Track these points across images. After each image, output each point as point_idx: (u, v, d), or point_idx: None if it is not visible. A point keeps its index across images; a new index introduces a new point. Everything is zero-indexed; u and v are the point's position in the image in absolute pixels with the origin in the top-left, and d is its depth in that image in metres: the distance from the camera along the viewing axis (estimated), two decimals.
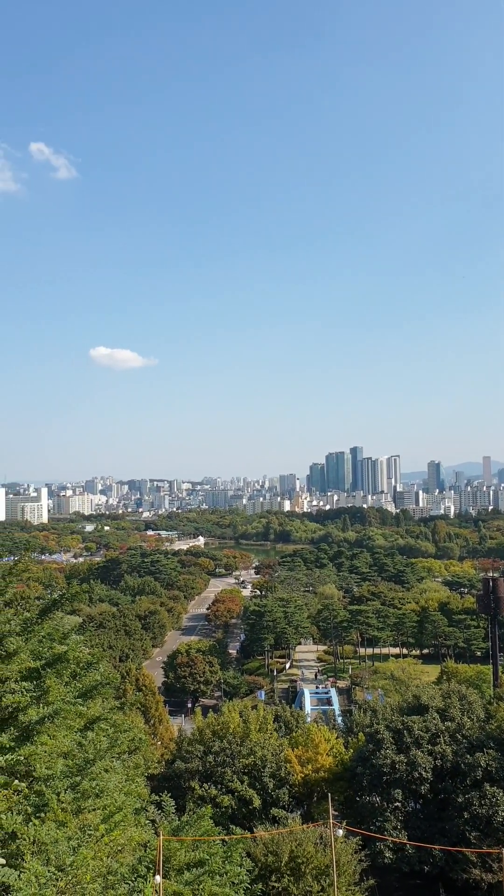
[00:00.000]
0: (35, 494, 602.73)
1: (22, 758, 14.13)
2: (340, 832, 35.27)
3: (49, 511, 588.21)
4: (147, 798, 28.25)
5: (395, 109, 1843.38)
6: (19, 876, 11.18)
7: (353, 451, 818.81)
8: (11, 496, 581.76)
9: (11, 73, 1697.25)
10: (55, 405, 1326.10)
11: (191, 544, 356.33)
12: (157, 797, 27.70)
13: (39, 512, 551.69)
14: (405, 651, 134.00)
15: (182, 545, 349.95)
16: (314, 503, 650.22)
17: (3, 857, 5.75)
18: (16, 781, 7.39)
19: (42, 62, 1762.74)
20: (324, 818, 41.36)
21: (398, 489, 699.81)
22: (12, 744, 15.36)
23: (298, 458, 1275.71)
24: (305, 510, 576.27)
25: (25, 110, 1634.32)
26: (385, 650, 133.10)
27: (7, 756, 7.59)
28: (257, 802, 46.59)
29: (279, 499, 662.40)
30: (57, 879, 12.30)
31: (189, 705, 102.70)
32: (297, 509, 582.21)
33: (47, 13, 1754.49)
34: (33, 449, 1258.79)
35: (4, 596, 18.48)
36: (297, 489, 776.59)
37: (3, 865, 7.61)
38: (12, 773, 14.32)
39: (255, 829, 40.66)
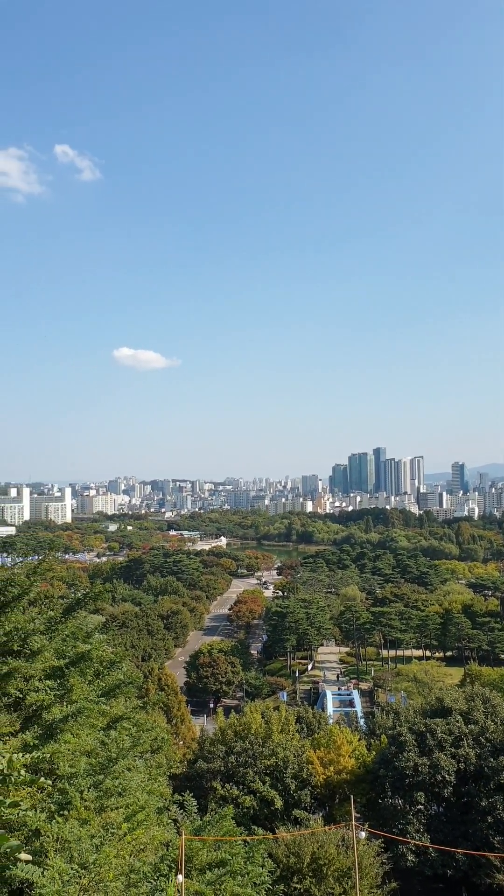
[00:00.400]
0: (59, 494, 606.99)
1: (46, 756, 14.21)
2: (363, 834, 35.08)
3: (73, 511, 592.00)
4: (169, 797, 28.31)
5: (417, 110, 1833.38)
6: (43, 873, 11.24)
7: (377, 451, 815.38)
8: (36, 496, 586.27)
9: (37, 77, 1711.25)
10: (79, 406, 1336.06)
11: (213, 544, 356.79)
12: (179, 797, 27.76)
13: (63, 511, 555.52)
14: (428, 653, 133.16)
15: (204, 545, 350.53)
16: (337, 504, 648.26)
17: (27, 854, 5.80)
18: (42, 779, 7.42)
19: (67, 66, 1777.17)
20: (346, 820, 41.22)
21: (421, 490, 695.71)
22: (36, 741, 15.48)
23: (321, 459, 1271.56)
24: (328, 511, 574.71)
25: (50, 113, 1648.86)
26: (408, 652, 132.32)
27: (33, 754, 7.62)
28: (279, 803, 46.53)
29: (301, 499, 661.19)
30: (80, 877, 12.37)
31: (211, 705, 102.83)
32: (319, 510, 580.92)
33: (73, 17, 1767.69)
34: (58, 449, 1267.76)
35: (29, 595, 18.63)
36: (320, 490, 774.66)
37: (27, 862, 7.65)
38: (36, 771, 14.42)
39: (276, 830, 40.61)
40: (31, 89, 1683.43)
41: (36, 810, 13.46)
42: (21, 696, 17.38)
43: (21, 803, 6.48)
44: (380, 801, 48.09)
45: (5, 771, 5.80)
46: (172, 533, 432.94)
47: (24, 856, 6.00)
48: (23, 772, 6.04)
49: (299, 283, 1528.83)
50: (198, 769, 50.20)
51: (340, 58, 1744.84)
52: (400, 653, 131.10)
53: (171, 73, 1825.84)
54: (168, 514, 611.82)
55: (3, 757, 5.93)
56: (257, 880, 21.09)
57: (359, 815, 46.83)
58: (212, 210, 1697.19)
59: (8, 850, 5.31)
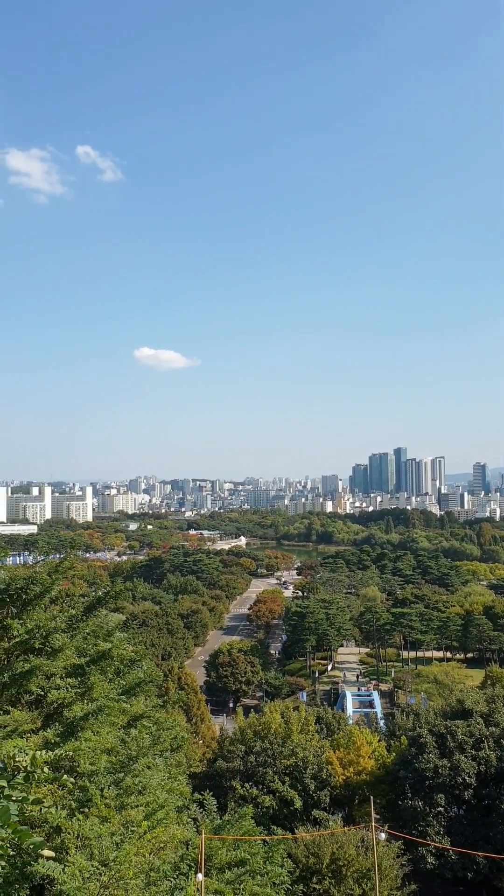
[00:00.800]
0: (80, 493, 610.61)
1: (67, 753, 14.30)
2: (382, 836, 34.95)
3: (94, 510, 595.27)
4: (189, 796, 28.38)
5: (444, 110, 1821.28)
6: (64, 869, 11.30)
7: (397, 451, 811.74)
8: (58, 495, 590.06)
9: (59, 78, 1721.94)
10: (101, 405, 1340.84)
11: (232, 544, 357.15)
12: (199, 795, 27.82)
13: (84, 510, 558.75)
14: (449, 655, 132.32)
15: (224, 545, 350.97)
16: (357, 504, 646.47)
17: (50, 851, 5.84)
18: (64, 776, 7.47)
19: (89, 67, 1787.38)
20: (365, 821, 41.10)
21: (443, 491, 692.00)
22: (57, 739, 15.58)
23: (341, 459, 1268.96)
24: (348, 511, 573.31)
25: (72, 114, 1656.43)
26: (428, 653, 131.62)
27: (56, 751, 7.66)
28: (298, 803, 46.50)
29: (321, 500, 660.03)
30: (100, 874, 12.42)
31: (231, 705, 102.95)
32: (339, 510, 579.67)
33: (95, 19, 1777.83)
34: (79, 448, 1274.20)
35: (51, 593, 18.71)
36: (340, 490, 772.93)
37: (49, 859, 7.71)
38: (57, 769, 14.51)
39: (296, 831, 40.57)
40: (54, 90, 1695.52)
41: (57, 807, 13.55)
42: (42, 693, 17.49)
43: (44, 800, 6.53)
44: (399, 802, 47.89)
45: (29, 768, 5.85)
46: (192, 532, 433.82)
47: (46, 852, 6.04)
48: (46, 769, 6.08)
49: (319, 286, 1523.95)
50: (217, 768, 50.29)
51: (364, 59, 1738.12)
52: (420, 654, 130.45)
53: (192, 75, 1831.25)
54: (188, 514, 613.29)
55: (27, 754, 5.97)
56: (276, 880, 21.09)
57: (378, 817, 46.66)
58: (233, 211, 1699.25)
59: (31, 847, 5.35)
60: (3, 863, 5.11)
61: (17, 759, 5.94)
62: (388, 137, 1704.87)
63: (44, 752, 6.18)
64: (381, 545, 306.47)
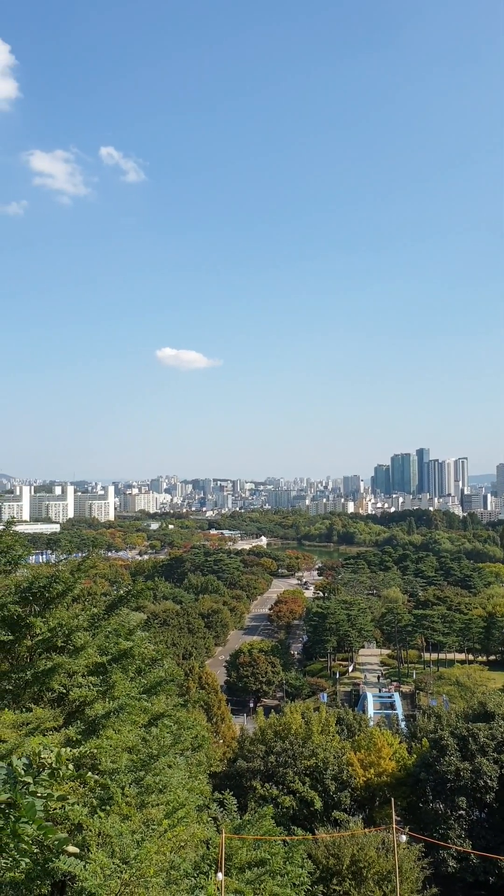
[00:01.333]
0: (102, 492, 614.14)
1: (89, 751, 14.37)
2: (403, 838, 34.81)
3: (115, 509, 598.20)
4: (209, 795, 28.43)
5: (476, 110, 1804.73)
6: (85, 866, 11.37)
7: (420, 452, 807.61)
8: (80, 494, 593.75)
9: (83, 80, 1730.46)
10: (123, 405, 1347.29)
11: (253, 544, 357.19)
12: (219, 795, 27.85)
13: (106, 510, 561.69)
14: (471, 657, 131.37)
15: (245, 545, 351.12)
16: (379, 505, 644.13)
17: (74, 847, 5.89)
18: (89, 773, 7.52)
19: (112, 67, 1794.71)
20: (386, 823, 40.94)
21: (466, 492, 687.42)
22: (79, 737, 15.67)
23: (363, 460, 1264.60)
24: (370, 512, 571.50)
25: (96, 115, 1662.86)
26: (450, 656, 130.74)
27: (81, 748, 7.72)
28: (319, 804, 46.42)
29: (343, 500, 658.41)
30: (121, 872, 12.46)
31: (251, 705, 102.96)
32: (361, 511, 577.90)
33: (117, 20, 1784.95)
34: (102, 448, 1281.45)
35: (73, 591, 18.83)
36: (362, 491, 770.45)
37: (74, 855, 7.76)
38: (79, 766, 14.58)
39: (316, 831, 40.50)
40: (77, 92, 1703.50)
41: (78, 805, 13.63)
42: (65, 691, 17.61)
43: (69, 797, 6.58)
44: (420, 804, 47.66)
45: (54, 765, 5.89)
46: (213, 532, 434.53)
47: (71, 848, 6.08)
48: (70, 766, 6.12)
49: (341, 287, 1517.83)
50: (238, 768, 50.34)
51: (387, 60, 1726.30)
52: (442, 656, 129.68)
53: (215, 76, 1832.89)
54: (209, 514, 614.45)
55: (52, 751, 6.02)
56: (296, 881, 21.06)
57: (399, 819, 46.46)
58: (256, 212, 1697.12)
59: (56, 843, 5.39)
60: (28, 859, 5.15)
61: (42, 756, 5.99)
62: (409, 139, 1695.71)
63: (68, 749, 6.22)
64: (402, 546, 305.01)
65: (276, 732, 52.46)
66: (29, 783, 5.45)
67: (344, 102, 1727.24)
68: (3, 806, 5.01)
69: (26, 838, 4.92)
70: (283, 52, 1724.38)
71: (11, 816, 4.96)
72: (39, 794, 5.33)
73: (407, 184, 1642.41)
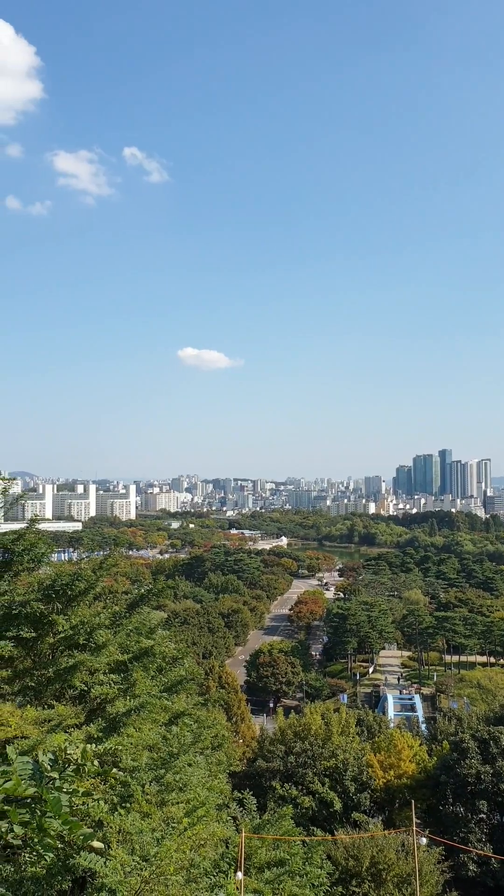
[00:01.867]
0: (124, 491, 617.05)
1: (111, 748, 14.45)
2: (424, 841, 34.61)
3: (137, 508, 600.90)
4: (229, 795, 28.45)
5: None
6: (105, 863, 11.44)
7: (442, 453, 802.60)
8: (102, 493, 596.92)
9: (107, 80, 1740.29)
10: (145, 404, 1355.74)
11: (274, 544, 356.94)
12: (239, 794, 27.88)
13: (128, 508, 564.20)
14: (493, 660, 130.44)
15: (265, 545, 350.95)
16: (400, 506, 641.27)
17: (99, 842, 5.94)
18: (114, 769, 7.57)
19: (135, 68, 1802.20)
20: (405, 825, 40.74)
21: (488, 494, 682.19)
22: (100, 734, 15.75)
23: (384, 460, 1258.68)
24: (391, 513, 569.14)
25: (119, 116, 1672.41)
26: (472, 658, 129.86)
27: (106, 745, 7.78)
28: (338, 805, 46.33)
29: (364, 501, 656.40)
30: (141, 869, 12.50)
31: (271, 705, 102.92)
32: (382, 512, 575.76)
33: (140, 21, 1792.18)
34: (123, 447, 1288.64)
35: (95, 589, 18.95)
36: (383, 492, 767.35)
37: (99, 850, 7.81)
38: (102, 763, 14.65)
39: (335, 832, 40.40)
40: (101, 92, 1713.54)
41: (99, 802, 13.70)
42: (86, 688, 17.71)
43: (93, 793, 6.64)
44: (441, 807, 47.39)
45: (79, 761, 5.94)
46: (233, 532, 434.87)
47: (96, 843, 6.14)
48: (95, 762, 6.17)
49: (363, 288, 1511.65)
50: (257, 768, 50.36)
51: (410, 58, 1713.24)
52: (463, 658, 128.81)
53: (238, 76, 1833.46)
54: (229, 513, 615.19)
55: (77, 747, 6.07)
56: (316, 882, 21.03)
57: (419, 821, 46.19)
58: (278, 212, 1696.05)
59: (81, 838, 5.44)
60: (51, 854, 5.20)
61: (68, 752, 6.05)
62: (432, 139, 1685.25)
63: (94, 745, 6.28)
64: (424, 548, 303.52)
65: (296, 733, 52.42)
66: (55, 778, 5.51)
67: (369, 102, 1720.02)
68: (29, 800, 5.07)
69: (52, 833, 4.97)
70: (307, 51, 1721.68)
71: (38, 811, 5.01)
72: (65, 790, 5.39)
73: (424, 186, 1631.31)
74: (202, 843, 16.79)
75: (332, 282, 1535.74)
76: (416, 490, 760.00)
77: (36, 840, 5.07)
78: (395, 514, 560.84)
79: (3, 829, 4.98)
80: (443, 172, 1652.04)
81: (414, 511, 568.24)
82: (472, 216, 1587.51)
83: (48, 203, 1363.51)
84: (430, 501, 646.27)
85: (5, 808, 4.91)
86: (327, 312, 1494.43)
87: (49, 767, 5.68)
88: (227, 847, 18.61)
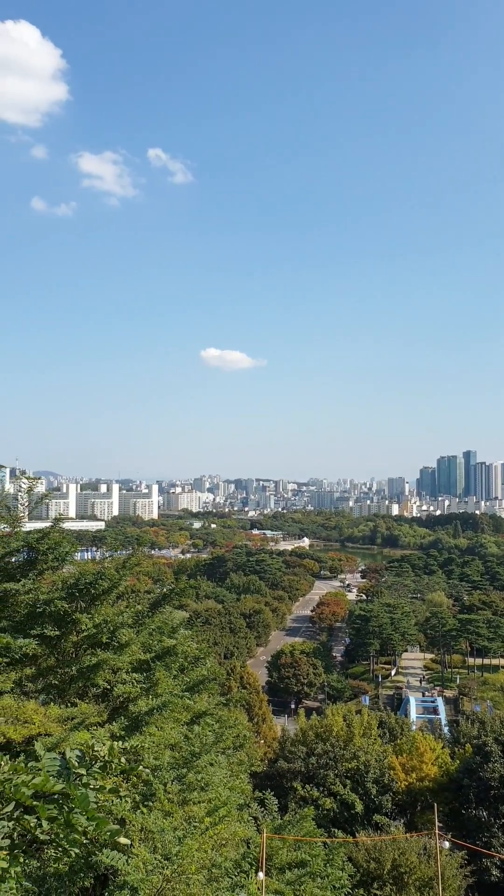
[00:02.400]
0: (146, 491, 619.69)
1: (143, 745, 14.53)
2: (446, 844, 34.37)
3: (159, 507, 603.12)
4: (250, 795, 28.47)
5: None
6: (128, 861, 11.50)
7: (466, 455, 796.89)
8: (125, 492, 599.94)
9: (131, 81, 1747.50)
10: (167, 405, 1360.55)
11: (295, 545, 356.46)
12: (260, 794, 27.88)
13: (150, 508, 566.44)
14: None
15: (287, 545, 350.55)
16: (424, 508, 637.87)
17: (126, 838, 5.97)
18: (140, 767, 7.60)
19: (160, 69, 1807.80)
20: (427, 828, 40.50)
21: None
22: (123, 733, 15.84)
23: (408, 461, 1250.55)
24: (414, 515, 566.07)
25: (144, 117, 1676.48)
26: (496, 661, 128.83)
27: (129, 743, 7.82)
28: (360, 807, 46.18)
29: (387, 502, 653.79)
30: (163, 867, 12.55)
31: (292, 706, 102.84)
32: (405, 513, 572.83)
33: (165, 21, 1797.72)
34: (146, 447, 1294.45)
35: (118, 589, 19.06)
36: (406, 493, 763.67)
37: (127, 847, 7.84)
38: (127, 761, 14.71)
39: (356, 834, 40.27)
40: (126, 93, 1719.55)
41: (121, 799, 13.77)
42: (109, 687, 17.83)
43: (119, 790, 6.70)
44: (463, 811, 47.05)
45: (106, 758, 5.99)
46: (255, 532, 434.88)
47: (123, 840, 6.18)
48: (123, 759, 6.21)
49: (387, 290, 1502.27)
50: (278, 768, 50.33)
51: (444, 56, 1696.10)
52: (487, 661, 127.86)
53: (262, 77, 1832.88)
54: (251, 513, 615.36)
55: (104, 744, 6.11)
56: (337, 884, 20.98)
57: (441, 825, 45.90)
58: (302, 213, 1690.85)
59: (108, 834, 5.48)
60: (77, 850, 5.25)
61: (95, 749, 6.09)
62: (467, 140, 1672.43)
63: (120, 742, 6.32)
64: (448, 550, 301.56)
65: (318, 734, 52.32)
66: (82, 774, 5.55)
67: (401, 102, 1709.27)
68: (56, 796, 5.12)
69: (79, 829, 5.02)
70: (337, 51, 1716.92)
71: (65, 807, 5.06)
72: (92, 787, 5.43)
73: (456, 188, 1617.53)
74: (223, 842, 16.82)
75: (356, 284, 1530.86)
76: (440, 492, 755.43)
77: (62, 836, 5.12)
78: (418, 515, 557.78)
79: (31, 824, 5.04)
80: (473, 174, 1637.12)
81: (438, 513, 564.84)
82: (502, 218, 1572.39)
83: (73, 204, 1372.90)
84: (454, 503, 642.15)
85: (34, 803, 4.96)
86: (350, 314, 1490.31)
87: (76, 764, 5.72)
88: (249, 847, 18.62)
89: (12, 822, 4.93)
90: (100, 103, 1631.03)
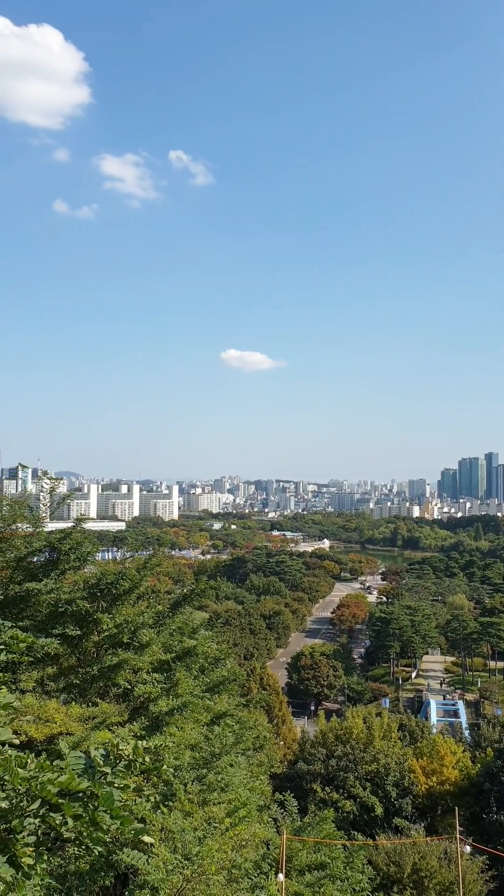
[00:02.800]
0: (167, 492, 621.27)
1: (167, 744, 14.58)
2: (468, 849, 34.13)
3: (179, 508, 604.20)
4: (270, 796, 28.46)
5: None
6: (148, 860, 11.54)
7: (488, 456, 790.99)
8: (145, 493, 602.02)
9: (152, 84, 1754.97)
10: (188, 406, 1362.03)
11: (315, 546, 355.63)
12: (280, 796, 27.87)
13: (171, 509, 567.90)
14: None
15: (307, 547, 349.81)
16: (445, 510, 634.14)
17: (149, 837, 6.00)
18: (164, 767, 7.61)
19: (181, 71, 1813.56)
20: (448, 832, 40.25)
21: None
22: (143, 733, 15.92)
23: (429, 463, 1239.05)
24: (436, 517, 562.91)
25: (165, 119, 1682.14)
26: None
27: (150, 742, 7.85)
28: (379, 810, 45.98)
29: (408, 504, 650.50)
30: (183, 867, 12.59)
31: (312, 708, 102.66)
32: (426, 515, 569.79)
33: (186, 23, 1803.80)
34: (166, 447, 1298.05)
35: (139, 589, 19.15)
36: (427, 495, 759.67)
37: (150, 846, 7.87)
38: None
39: (376, 837, 40.10)
40: (147, 96, 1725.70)
41: (149, 797, 13.83)
42: (130, 687, 17.91)
43: (144, 789, 6.73)
44: (484, 815, 46.66)
45: (131, 756, 6.02)
46: (275, 533, 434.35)
47: (147, 838, 6.20)
48: (147, 758, 6.25)
49: (405, 293, 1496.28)
50: (298, 770, 50.24)
51: (473, 59, 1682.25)
52: None
53: (284, 78, 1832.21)
54: (271, 515, 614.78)
55: (129, 743, 6.15)
56: (357, 886, 20.92)
57: (462, 829, 45.62)
58: (322, 216, 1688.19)
59: (133, 833, 5.52)
60: (100, 848, 5.28)
61: (119, 748, 6.13)
62: (494, 144, 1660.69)
63: (144, 742, 6.36)
64: (469, 552, 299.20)
65: (338, 736, 52.16)
66: (107, 773, 5.59)
67: (426, 106, 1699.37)
68: (81, 794, 5.16)
69: (104, 827, 5.06)
70: (356, 53, 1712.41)
71: (90, 805, 5.10)
72: (116, 785, 5.47)
73: (483, 191, 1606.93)
74: (243, 843, 16.84)
75: (377, 286, 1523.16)
76: (462, 494, 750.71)
77: (85, 834, 5.16)
78: (439, 517, 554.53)
79: (57, 822, 5.08)
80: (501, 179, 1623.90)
81: (459, 515, 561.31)
82: None
83: (95, 206, 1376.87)
84: (476, 505, 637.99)
85: (60, 801, 5.00)
86: (371, 315, 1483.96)
87: (101, 763, 5.76)
88: (268, 848, 18.63)
89: (38, 819, 4.98)
90: (122, 105, 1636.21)
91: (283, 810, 26.22)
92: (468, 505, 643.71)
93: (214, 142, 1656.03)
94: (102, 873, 9.76)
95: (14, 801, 4.87)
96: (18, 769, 4.88)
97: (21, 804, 4.90)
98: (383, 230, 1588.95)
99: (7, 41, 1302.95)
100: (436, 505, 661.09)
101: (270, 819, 24.25)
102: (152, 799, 14.52)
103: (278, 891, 15.66)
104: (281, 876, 16.41)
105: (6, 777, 4.83)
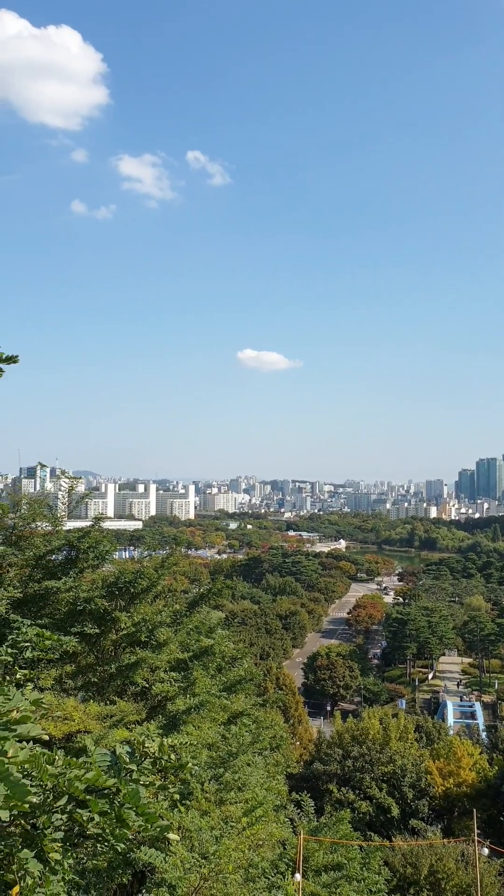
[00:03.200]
0: (183, 491, 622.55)
1: (192, 742, 14.64)
2: (486, 851, 33.97)
3: (195, 508, 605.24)
4: (286, 796, 28.46)
5: None
6: (165, 859, 11.59)
7: None
8: (162, 492, 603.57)
9: (170, 84, 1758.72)
10: (205, 405, 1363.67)
11: (332, 547, 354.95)
12: (296, 796, 27.87)
13: (187, 508, 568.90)
14: None
15: (323, 547, 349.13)
16: (462, 511, 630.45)
17: (174, 834, 6.02)
18: (190, 764, 7.64)
19: (198, 72, 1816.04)
20: (465, 834, 40.07)
21: None
22: (160, 731, 15.99)
23: (446, 464, 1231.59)
24: (453, 517, 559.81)
25: (183, 119, 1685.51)
26: None
27: (178, 739, 7.89)
28: (396, 811, 45.87)
29: (425, 505, 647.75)
30: (200, 866, 12.63)
31: (328, 708, 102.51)
32: (443, 516, 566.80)
33: (204, 24, 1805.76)
34: (183, 447, 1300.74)
35: (156, 588, 19.22)
36: (445, 495, 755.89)
37: (176, 842, 7.93)
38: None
39: (393, 839, 40.01)
40: (165, 96, 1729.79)
41: (158, 797, 13.89)
42: (147, 685, 17.98)
43: (169, 787, 6.78)
44: (501, 817, 46.47)
45: (157, 754, 6.06)
46: (291, 533, 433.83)
47: (172, 836, 6.24)
48: (172, 756, 6.29)
49: (420, 295, 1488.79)
50: (314, 770, 50.23)
51: (492, 60, 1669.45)
52: None
53: (302, 80, 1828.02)
54: (287, 515, 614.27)
55: (154, 741, 6.19)
56: (373, 887, 20.90)
57: (479, 831, 45.39)
58: (340, 216, 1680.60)
59: (158, 829, 5.56)
60: (123, 845, 5.33)
61: (145, 745, 6.18)
62: None
63: (169, 739, 6.40)
64: (487, 553, 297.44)
65: (354, 737, 52.10)
66: (132, 770, 5.63)
67: (444, 107, 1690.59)
68: (107, 791, 5.21)
69: (130, 824, 5.10)
70: (373, 56, 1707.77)
71: (116, 802, 5.14)
72: (142, 782, 5.51)
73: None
74: (260, 843, 16.87)
75: (394, 287, 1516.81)
76: (479, 494, 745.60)
77: (109, 830, 5.20)
78: (456, 518, 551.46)
79: (84, 818, 5.13)
80: None
81: (476, 516, 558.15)
82: None
83: (113, 207, 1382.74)
84: (493, 506, 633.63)
85: (86, 797, 5.05)
86: (388, 317, 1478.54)
87: (127, 760, 5.81)
88: (285, 848, 18.65)
89: (65, 815, 5.03)
90: (139, 106, 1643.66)
91: (299, 810, 26.21)
92: (486, 506, 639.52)
93: (231, 142, 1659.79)
94: (120, 871, 9.83)
95: (42, 797, 4.92)
96: (47, 766, 4.94)
97: (49, 800, 4.95)
98: (402, 232, 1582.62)
99: (26, 43, 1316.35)
100: (453, 506, 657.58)
101: (287, 819, 24.26)
102: (170, 797, 14.60)
103: (295, 891, 15.67)
104: (298, 876, 16.42)
105: (34, 773, 4.89)
